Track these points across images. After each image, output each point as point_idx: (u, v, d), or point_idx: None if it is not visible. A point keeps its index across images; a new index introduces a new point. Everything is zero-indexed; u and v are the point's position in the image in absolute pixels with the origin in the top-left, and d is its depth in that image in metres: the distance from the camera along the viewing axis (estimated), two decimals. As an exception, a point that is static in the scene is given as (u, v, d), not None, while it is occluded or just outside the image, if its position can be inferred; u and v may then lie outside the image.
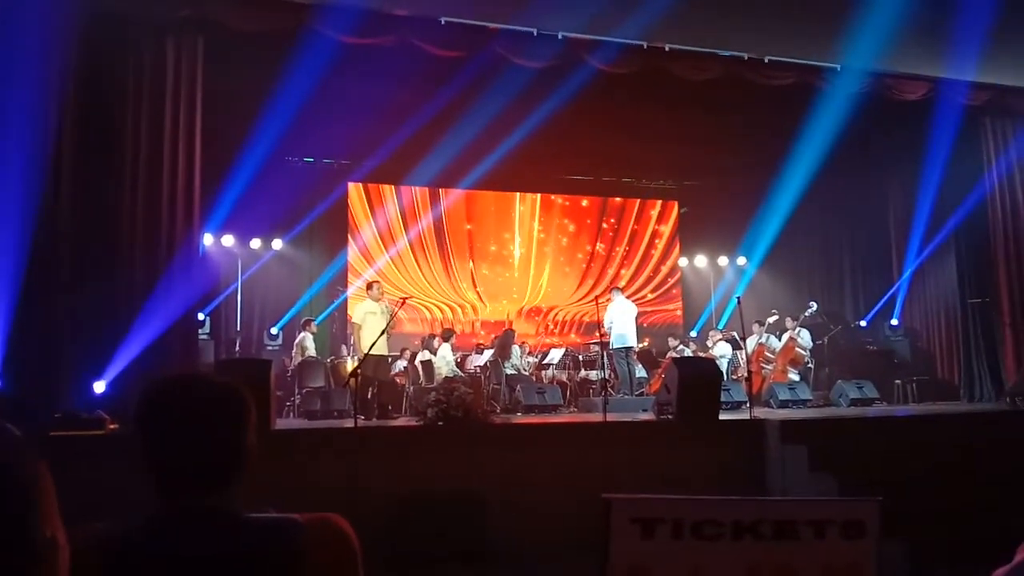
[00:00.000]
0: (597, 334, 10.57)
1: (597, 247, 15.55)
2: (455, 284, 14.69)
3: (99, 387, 7.24)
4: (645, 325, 14.16)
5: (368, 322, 8.86)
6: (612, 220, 15.73)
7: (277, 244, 13.07)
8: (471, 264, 14.83)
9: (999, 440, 7.51)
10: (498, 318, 14.64)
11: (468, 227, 14.91)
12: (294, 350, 11.28)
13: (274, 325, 12.62)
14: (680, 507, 1.21)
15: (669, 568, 1.20)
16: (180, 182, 8.00)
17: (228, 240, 12.37)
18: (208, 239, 11.32)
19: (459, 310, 14.65)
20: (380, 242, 14.21)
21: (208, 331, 10.64)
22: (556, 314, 15.14)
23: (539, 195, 15.25)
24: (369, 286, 9.44)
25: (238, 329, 12.34)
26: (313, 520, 1.35)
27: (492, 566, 6.03)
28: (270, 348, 12.12)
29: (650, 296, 15.67)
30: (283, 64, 8.46)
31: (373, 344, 7.87)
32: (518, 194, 15.13)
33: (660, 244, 15.92)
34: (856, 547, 1.26)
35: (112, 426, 6.54)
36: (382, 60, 8.87)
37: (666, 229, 15.98)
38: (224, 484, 1.35)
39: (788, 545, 1.23)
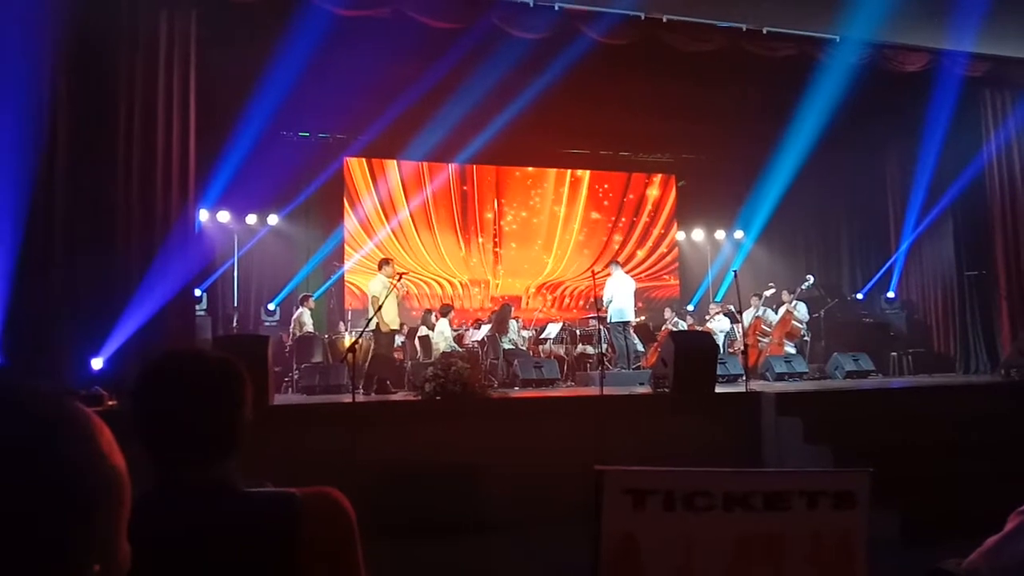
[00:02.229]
0: (596, 308, 10.58)
1: (591, 219, 15.53)
2: (456, 258, 14.68)
3: (97, 364, 7.25)
4: (643, 299, 14.19)
5: (383, 297, 8.89)
6: (610, 193, 15.69)
7: (273, 220, 13.02)
8: (461, 239, 14.81)
9: (993, 412, 7.56)
10: (508, 293, 14.68)
11: (466, 201, 14.87)
12: (292, 326, 11.29)
13: (271, 301, 12.62)
14: (672, 479, 1.22)
15: (661, 538, 1.21)
16: (175, 157, 7.96)
17: (224, 216, 12.33)
18: (204, 215, 11.27)
19: (457, 285, 14.66)
20: (382, 215, 14.18)
21: (205, 307, 10.64)
22: (558, 289, 15.17)
23: (537, 169, 15.21)
24: (385, 262, 9.40)
25: (235, 305, 12.33)
26: (310, 494, 1.36)
27: (489, 536, 6.09)
28: (268, 324, 12.14)
29: (648, 270, 15.68)
30: (278, 37, 8.39)
31: (371, 318, 7.89)
32: (517, 168, 15.09)
33: (658, 218, 15.90)
34: (847, 517, 1.27)
35: (111, 402, 6.56)
36: (377, 32, 8.78)
37: (664, 202, 15.94)
38: (220, 459, 1.36)
39: (778, 516, 1.24)
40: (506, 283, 14.91)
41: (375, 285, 9.09)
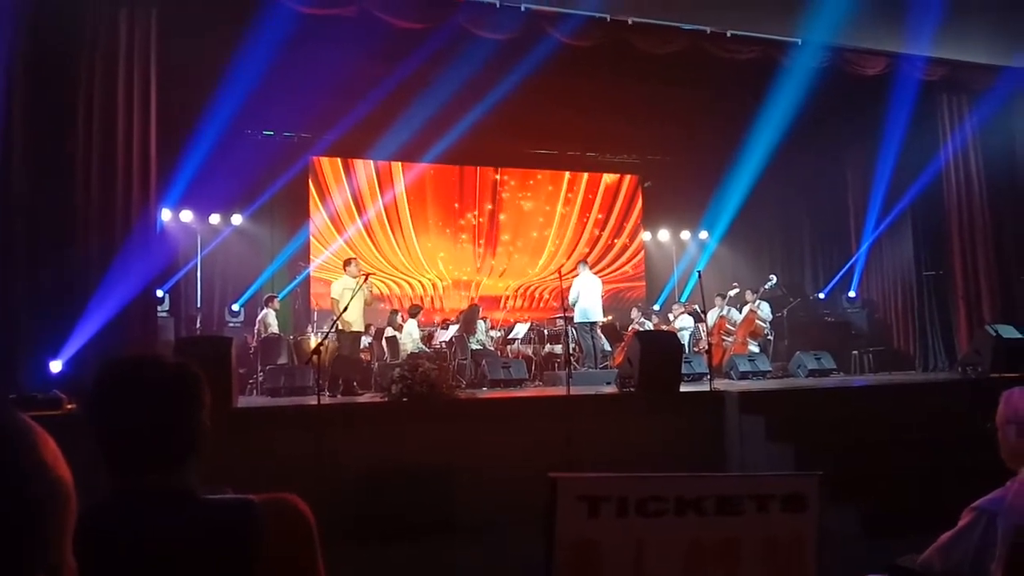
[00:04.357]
0: (562, 308, 10.62)
1: (559, 220, 15.57)
2: (430, 257, 14.63)
3: (56, 366, 7.10)
4: (610, 299, 14.26)
5: (346, 298, 8.81)
6: (576, 194, 15.75)
7: (237, 219, 12.87)
8: (433, 237, 14.77)
9: (951, 409, 7.72)
10: (489, 293, 14.69)
11: (438, 200, 14.84)
12: (257, 327, 11.17)
13: (235, 302, 12.47)
14: (625, 485, 1.24)
15: (614, 544, 1.23)
16: (136, 156, 7.83)
17: (187, 215, 12.16)
18: (166, 214, 11.12)
19: (428, 285, 14.62)
20: (354, 212, 14.10)
21: (167, 308, 10.48)
22: (528, 289, 15.20)
23: (504, 169, 15.22)
24: (348, 263, 9.34)
25: (198, 306, 12.17)
26: (268, 500, 1.35)
27: (458, 538, 6.08)
28: (232, 325, 11.99)
29: (616, 270, 15.78)
30: (241, 35, 8.30)
31: (335, 321, 7.83)
32: (483, 168, 15.07)
33: (624, 219, 16.00)
34: (798, 520, 1.30)
35: (69, 406, 6.43)
36: (343, 31, 8.73)
37: (630, 203, 16.04)
38: (177, 465, 1.35)
39: (730, 520, 1.27)
40: (486, 283, 14.91)
41: (336, 287, 9.06)
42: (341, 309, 8.28)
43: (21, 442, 0.78)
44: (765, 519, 1.26)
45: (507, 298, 14.91)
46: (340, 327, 8.53)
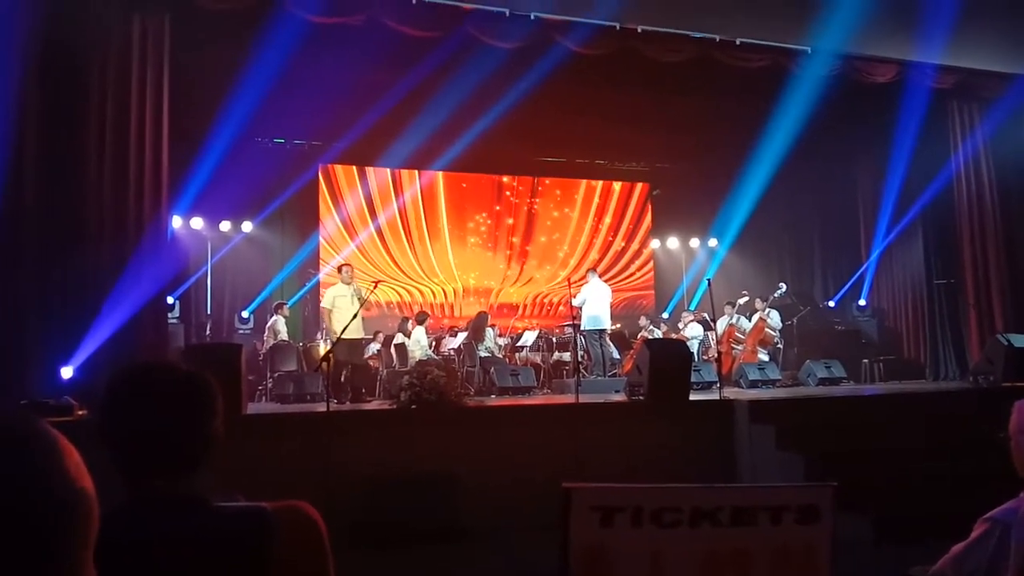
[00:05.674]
0: (572, 316, 10.61)
1: (569, 227, 15.57)
2: (434, 265, 14.66)
3: (67, 373, 7.14)
4: (619, 307, 14.24)
5: (338, 306, 8.83)
6: (589, 202, 15.75)
7: (247, 227, 12.92)
8: (450, 245, 14.79)
9: (962, 418, 7.67)
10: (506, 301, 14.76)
11: (444, 207, 14.87)
12: (266, 334, 11.20)
13: (245, 308, 12.52)
14: (639, 495, 1.23)
15: (628, 555, 1.22)
16: (147, 163, 7.87)
17: (197, 222, 12.21)
18: (177, 221, 11.16)
19: (440, 292, 14.64)
20: (367, 218, 14.15)
21: (178, 315, 10.52)
22: (538, 297, 15.20)
23: (512, 177, 15.23)
24: (340, 269, 9.38)
25: (208, 313, 12.22)
26: (281, 508, 1.35)
27: (466, 545, 6.07)
28: (241, 332, 12.03)
29: (623, 278, 15.75)
30: (252, 43, 8.36)
31: (345, 328, 7.84)
32: (494, 176, 15.10)
33: (634, 227, 15.98)
34: (811, 531, 1.29)
35: (80, 412, 6.46)
36: (352, 40, 8.76)
37: (639, 211, 16.03)
38: (189, 472, 1.35)
39: (745, 531, 1.26)
40: (497, 289, 14.93)
41: (328, 295, 9.11)
42: (331, 318, 8.33)
43: (44, 452, 0.77)
44: (779, 530, 1.26)
45: (521, 306, 14.92)
46: (335, 333, 8.55)
